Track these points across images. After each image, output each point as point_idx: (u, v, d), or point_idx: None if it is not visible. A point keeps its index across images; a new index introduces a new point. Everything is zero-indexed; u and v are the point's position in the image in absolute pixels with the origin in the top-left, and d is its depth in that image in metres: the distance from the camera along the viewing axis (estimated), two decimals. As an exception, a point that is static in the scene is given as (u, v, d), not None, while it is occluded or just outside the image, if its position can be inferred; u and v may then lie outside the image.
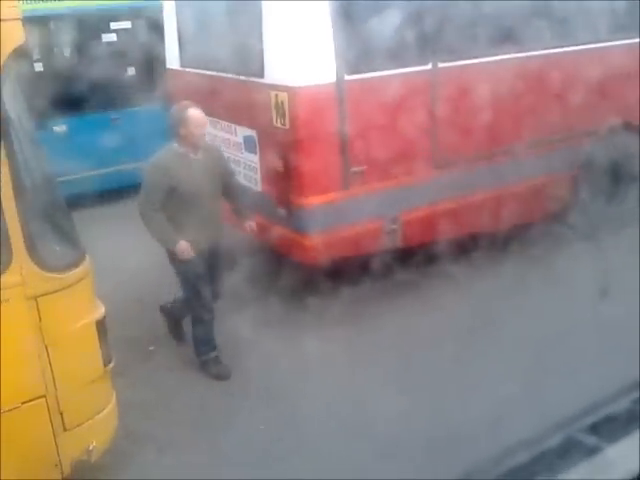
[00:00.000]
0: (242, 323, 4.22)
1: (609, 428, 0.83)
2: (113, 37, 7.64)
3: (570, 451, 0.81)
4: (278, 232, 4.79)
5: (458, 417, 3.49)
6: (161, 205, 3.93)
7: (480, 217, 5.01)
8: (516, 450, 0.82)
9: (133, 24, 7.74)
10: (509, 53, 5.05)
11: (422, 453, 3.16)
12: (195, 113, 4.00)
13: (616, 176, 5.80)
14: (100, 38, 7.55)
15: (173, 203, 3.95)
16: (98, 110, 7.19)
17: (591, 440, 0.82)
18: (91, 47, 7.45)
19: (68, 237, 3.07)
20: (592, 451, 0.79)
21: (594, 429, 0.83)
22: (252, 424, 3.71)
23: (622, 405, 0.88)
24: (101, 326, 3.02)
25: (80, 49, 7.54)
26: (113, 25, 7.63)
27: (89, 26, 7.53)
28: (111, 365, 3.12)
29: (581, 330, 4.09)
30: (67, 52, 7.72)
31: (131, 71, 7.70)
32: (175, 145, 4.03)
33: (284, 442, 3.54)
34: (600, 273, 4.29)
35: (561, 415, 0.88)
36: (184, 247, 3.97)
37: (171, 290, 4.51)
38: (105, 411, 3.11)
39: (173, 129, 4.02)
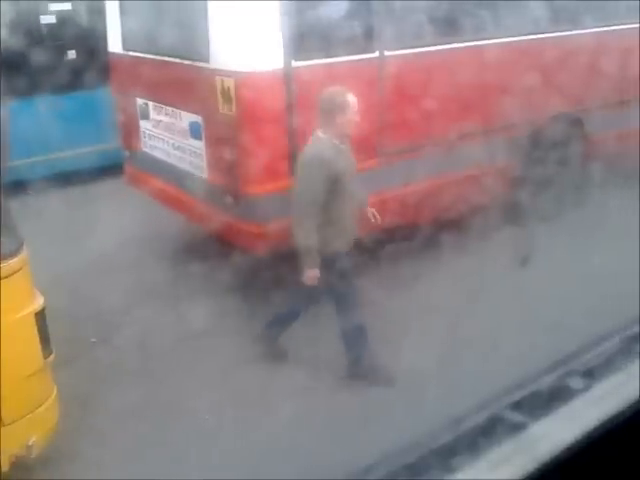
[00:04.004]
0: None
1: (534, 404, 0.83)
2: (52, 19, 7.38)
3: (494, 428, 0.80)
4: (225, 221, 4.72)
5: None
6: (320, 207, 3.59)
7: (425, 205, 5.06)
8: (438, 430, 0.81)
9: (73, 5, 7.49)
10: (454, 43, 5.11)
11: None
12: (353, 99, 3.71)
13: (555, 165, 5.95)
14: (38, 20, 7.28)
15: (328, 202, 3.62)
16: (38, 94, 6.95)
17: (515, 417, 0.81)
18: (29, 29, 7.18)
19: (5, 226, 2.95)
20: (517, 428, 0.79)
21: (519, 406, 0.83)
22: (193, 412, 3.66)
23: (547, 381, 0.88)
24: (40, 318, 2.92)
25: (17, 31, 7.24)
26: (52, 6, 7.37)
27: (26, 7, 7.24)
28: (51, 357, 3.02)
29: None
30: (3, 34, 7.41)
31: (72, 54, 7.45)
32: (324, 135, 3.69)
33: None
34: (523, 246, 4.43)
35: (479, 389, 0.88)
36: (313, 276, 3.68)
37: (112, 280, 4.40)
38: (45, 405, 3.02)
39: (324, 116, 3.69)
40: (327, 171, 3.60)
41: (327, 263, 3.71)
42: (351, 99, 3.71)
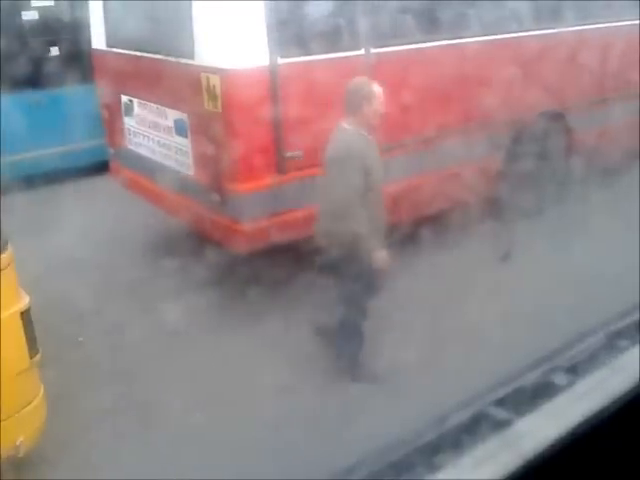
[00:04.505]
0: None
1: (518, 401, 0.83)
2: (34, 15, 7.30)
3: (478, 425, 0.80)
4: (210, 218, 4.71)
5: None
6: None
7: (408, 202, 5.07)
8: (422, 428, 0.82)
9: (55, 2, 7.42)
10: (438, 40, 5.13)
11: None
12: (379, 89, 3.68)
13: (538, 161, 5.99)
14: (20, 16, 7.20)
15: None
16: (20, 91, 6.88)
17: (500, 413, 0.82)
18: (10, 25, 7.09)
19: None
20: (501, 425, 0.80)
21: (503, 402, 0.84)
22: (177, 411, 3.66)
23: (531, 377, 0.89)
24: (26, 317, 2.90)
25: (-2, 27, 7.17)
26: (34, 3, 7.29)
27: (7, 4, 7.15)
28: (38, 357, 3.01)
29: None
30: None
31: (54, 51, 7.37)
32: (350, 126, 3.66)
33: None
34: (505, 242, 4.45)
35: (462, 386, 0.88)
36: (384, 255, 3.63)
37: (97, 278, 4.38)
38: (32, 404, 3.00)
39: (351, 107, 3.66)
40: (360, 163, 3.57)
41: (352, 258, 3.66)
42: (377, 89, 3.71)
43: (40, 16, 7.31)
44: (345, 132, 3.71)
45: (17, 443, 2.88)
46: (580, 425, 0.79)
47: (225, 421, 3.50)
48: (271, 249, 4.50)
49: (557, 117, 6.00)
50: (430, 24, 5.25)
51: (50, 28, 7.35)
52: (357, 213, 3.59)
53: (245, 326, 4.44)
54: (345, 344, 3.95)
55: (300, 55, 4.51)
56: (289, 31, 4.52)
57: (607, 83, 6.00)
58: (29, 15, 7.27)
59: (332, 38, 4.71)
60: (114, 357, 4.19)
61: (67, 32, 7.23)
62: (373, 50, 4.79)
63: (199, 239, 5.06)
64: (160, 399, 3.77)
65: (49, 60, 7.21)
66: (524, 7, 5.68)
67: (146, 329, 4.28)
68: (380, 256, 3.69)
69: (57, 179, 6.70)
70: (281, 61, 4.40)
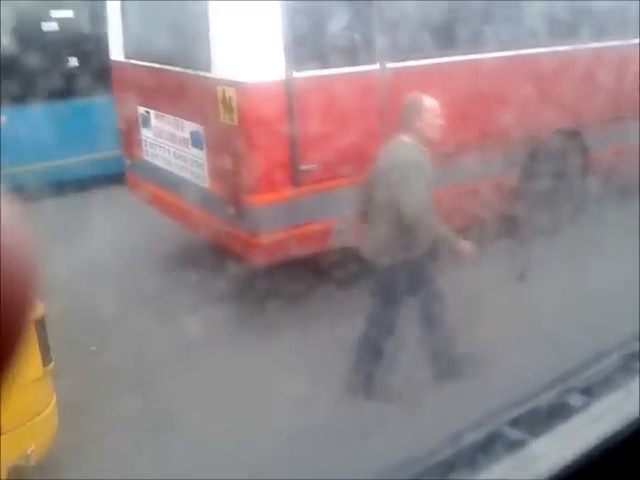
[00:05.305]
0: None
1: (533, 421, 0.83)
2: (54, 26, 7.40)
3: (493, 445, 0.80)
4: (226, 231, 4.73)
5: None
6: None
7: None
8: (437, 447, 0.81)
9: (75, 13, 7.52)
10: (454, 56, 5.14)
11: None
12: (432, 103, 3.80)
13: (554, 180, 5.96)
14: (40, 27, 7.30)
15: None
16: (38, 101, 6.96)
17: (515, 434, 0.81)
18: (30, 36, 7.20)
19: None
20: (515, 445, 0.79)
21: (518, 422, 0.83)
22: (191, 422, 3.66)
23: (546, 398, 0.88)
24: (40, 325, 2.92)
25: (18, 37, 7.27)
26: (54, 13, 7.40)
27: (28, 14, 7.27)
28: (51, 365, 3.02)
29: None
30: (4, 40, 7.43)
31: (73, 62, 7.47)
32: (408, 139, 3.76)
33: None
34: (521, 260, 4.43)
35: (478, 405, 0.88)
36: (470, 247, 3.74)
37: (116, 286, 4.39)
38: (44, 413, 3.01)
39: (405, 121, 3.79)
40: (423, 173, 3.68)
41: (398, 270, 3.71)
42: (429, 103, 3.80)
43: (60, 27, 7.41)
44: (403, 144, 3.79)
45: (28, 452, 2.88)
46: (595, 447, 0.78)
47: (240, 432, 3.49)
48: (289, 262, 4.50)
49: (573, 135, 5.97)
50: (446, 39, 5.26)
51: (69, 39, 7.44)
52: (432, 218, 3.70)
53: (263, 338, 4.43)
54: (366, 360, 3.92)
55: (315, 69, 4.54)
56: (305, 45, 4.55)
57: (624, 101, 5.97)
58: (49, 26, 7.38)
59: (348, 52, 4.74)
60: (130, 367, 4.19)
61: (86, 43, 7.32)
62: (389, 65, 4.80)
63: (218, 251, 5.07)
64: (175, 410, 3.77)
65: (67, 70, 7.30)
66: (541, 24, 5.68)
67: (163, 340, 4.29)
68: (468, 246, 3.77)
69: (71, 189, 6.75)
70: (297, 75, 4.42)
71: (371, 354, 3.90)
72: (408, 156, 3.71)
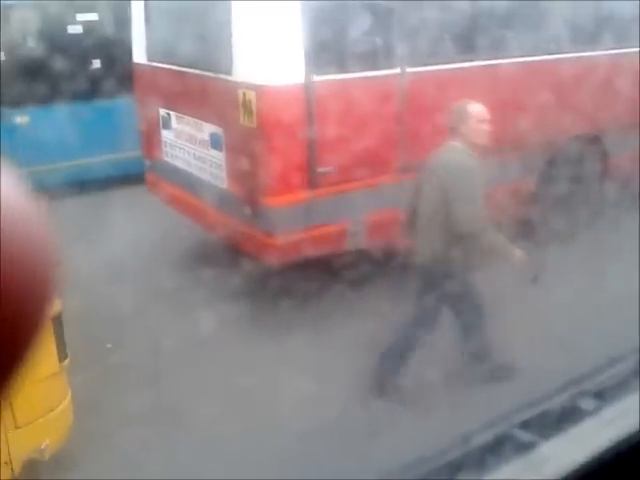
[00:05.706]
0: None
1: (544, 424, 0.82)
2: (79, 29, 7.50)
3: (503, 447, 0.80)
4: (243, 231, 4.75)
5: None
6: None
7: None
8: (447, 447, 0.81)
9: (99, 16, 7.61)
10: (474, 61, 5.12)
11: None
12: (477, 108, 3.82)
13: (574, 185, 5.91)
14: (65, 29, 7.41)
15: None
16: (62, 102, 7.05)
17: (525, 436, 0.81)
18: (56, 38, 7.30)
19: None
20: (526, 447, 0.79)
21: (528, 425, 0.83)
22: (204, 419, 3.67)
23: (558, 401, 0.87)
24: (56, 321, 2.95)
25: (44, 40, 7.37)
26: (79, 17, 7.50)
27: (54, 17, 7.37)
28: (66, 362, 3.05)
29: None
30: (31, 42, 7.54)
31: (96, 64, 7.56)
32: (459, 144, 3.77)
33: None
34: (536, 264, 4.39)
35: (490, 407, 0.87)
36: (522, 254, 3.76)
37: (132, 284, 4.42)
38: (59, 409, 3.04)
39: (452, 127, 3.81)
40: (480, 180, 3.69)
41: (447, 275, 3.71)
42: (473, 109, 3.80)
43: (84, 30, 7.50)
44: (454, 149, 3.78)
45: (42, 447, 2.91)
46: (606, 451, 0.77)
47: (251, 430, 3.50)
48: (303, 262, 4.52)
49: (593, 140, 5.92)
50: (466, 45, 5.25)
51: (93, 41, 7.53)
52: (486, 227, 3.68)
53: (275, 336, 4.44)
54: (393, 361, 3.93)
55: (335, 73, 4.55)
56: (325, 49, 4.57)
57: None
58: (74, 29, 7.48)
59: (367, 57, 4.74)
60: (144, 364, 4.22)
61: (110, 46, 7.40)
62: (408, 69, 4.80)
63: (233, 251, 5.10)
64: (187, 407, 3.78)
65: (91, 72, 7.38)
66: (562, 30, 5.65)
67: (178, 337, 4.31)
68: (520, 253, 3.78)
69: (92, 188, 6.82)
70: (316, 78, 4.44)
71: (403, 357, 3.91)
72: (458, 160, 3.71)
